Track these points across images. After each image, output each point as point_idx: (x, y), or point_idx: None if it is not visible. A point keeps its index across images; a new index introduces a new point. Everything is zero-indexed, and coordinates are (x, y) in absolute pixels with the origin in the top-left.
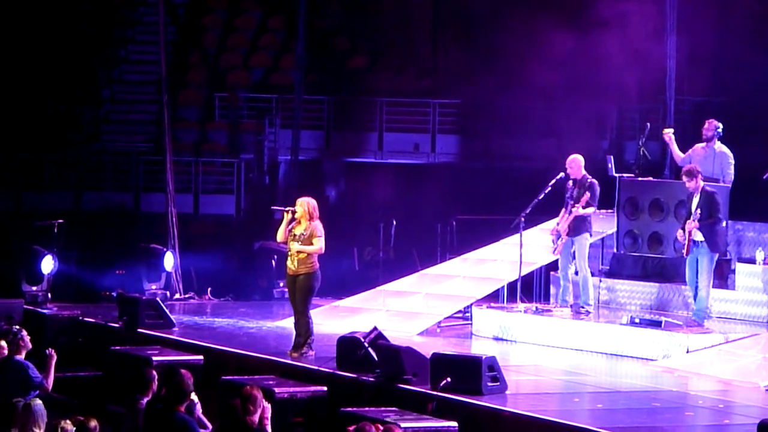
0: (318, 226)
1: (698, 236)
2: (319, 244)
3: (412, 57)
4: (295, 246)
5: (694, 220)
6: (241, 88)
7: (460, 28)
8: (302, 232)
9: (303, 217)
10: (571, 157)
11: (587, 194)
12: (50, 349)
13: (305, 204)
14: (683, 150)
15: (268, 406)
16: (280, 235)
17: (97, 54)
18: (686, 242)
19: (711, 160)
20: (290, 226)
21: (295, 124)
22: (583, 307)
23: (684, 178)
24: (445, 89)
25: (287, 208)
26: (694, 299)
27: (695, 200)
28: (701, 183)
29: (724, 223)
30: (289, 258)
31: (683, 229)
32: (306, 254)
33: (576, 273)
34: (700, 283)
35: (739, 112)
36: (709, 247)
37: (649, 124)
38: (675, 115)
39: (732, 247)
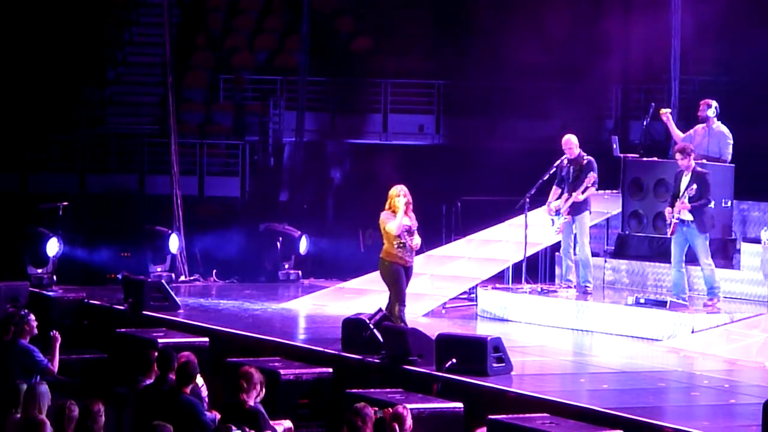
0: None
1: (687, 216)
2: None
3: (416, 38)
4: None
5: (684, 200)
6: (245, 69)
7: (463, 10)
8: (412, 222)
9: (408, 206)
10: (565, 137)
11: (593, 175)
12: (54, 331)
13: (408, 194)
14: (685, 131)
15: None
16: (397, 228)
17: (101, 36)
18: (673, 221)
19: (710, 139)
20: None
21: (299, 106)
22: (586, 286)
23: (678, 156)
24: (449, 70)
25: (404, 201)
26: (678, 278)
27: (685, 179)
28: (693, 162)
29: (712, 204)
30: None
31: (672, 206)
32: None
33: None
34: (703, 264)
35: (744, 90)
36: (698, 227)
37: (653, 104)
38: (680, 94)
39: (737, 226)
